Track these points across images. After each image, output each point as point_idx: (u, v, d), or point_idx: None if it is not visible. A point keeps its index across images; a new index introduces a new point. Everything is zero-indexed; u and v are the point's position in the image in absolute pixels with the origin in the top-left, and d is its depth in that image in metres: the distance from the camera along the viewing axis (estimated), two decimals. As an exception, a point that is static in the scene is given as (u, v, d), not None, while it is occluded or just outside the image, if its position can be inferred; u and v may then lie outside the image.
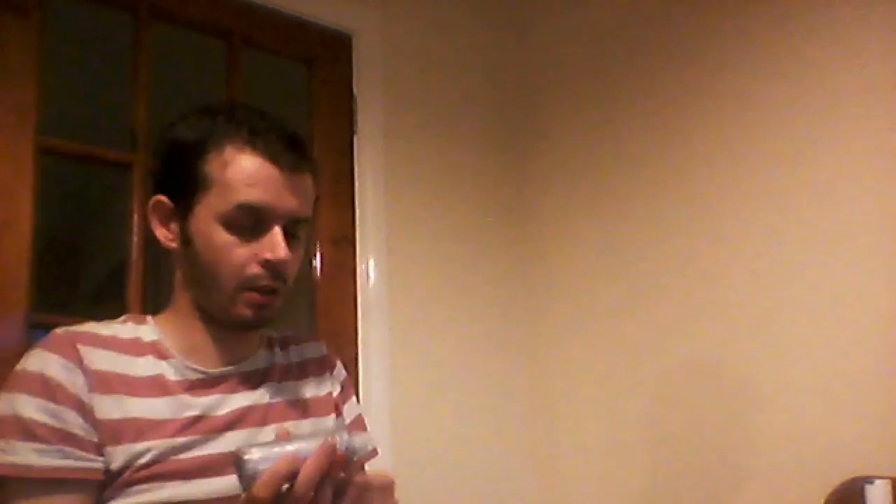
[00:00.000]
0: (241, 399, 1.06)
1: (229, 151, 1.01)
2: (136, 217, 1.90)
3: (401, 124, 2.42)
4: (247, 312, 1.03)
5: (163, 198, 1.06)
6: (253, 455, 0.84)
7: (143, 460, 0.96)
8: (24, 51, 1.81)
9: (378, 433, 2.16)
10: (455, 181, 2.53)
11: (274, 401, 1.09)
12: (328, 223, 2.24)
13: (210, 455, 1.00)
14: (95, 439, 0.95)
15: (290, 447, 0.85)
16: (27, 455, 0.92)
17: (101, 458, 0.95)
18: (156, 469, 0.96)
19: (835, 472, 1.85)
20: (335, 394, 1.19)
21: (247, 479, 0.83)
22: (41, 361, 0.97)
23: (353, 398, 1.25)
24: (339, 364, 1.24)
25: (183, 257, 1.06)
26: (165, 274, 1.15)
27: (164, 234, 1.07)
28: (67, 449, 0.94)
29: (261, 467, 0.83)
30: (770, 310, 2.07)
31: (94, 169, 2.09)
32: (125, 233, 1.91)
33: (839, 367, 1.93)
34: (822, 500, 1.84)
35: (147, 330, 1.07)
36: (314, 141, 2.27)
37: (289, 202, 1.02)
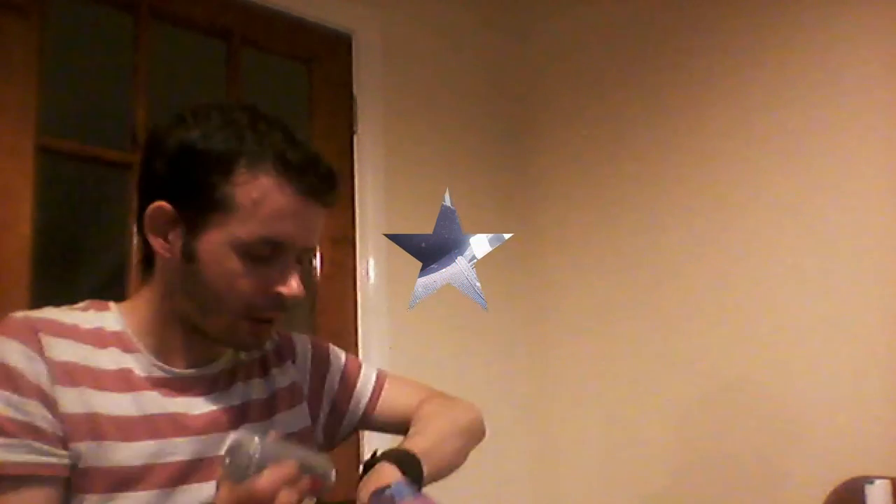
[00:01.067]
0: (211, 402, 1.00)
1: (264, 181, 0.93)
2: (135, 217, 1.90)
3: (401, 124, 2.42)
4: (247, 339, 1.00)
5: (165, 205, 0.95)
6: (257, 448, 0.84)
7: (107, 463, 0.91)
8: (25, 51, 1.81)
9: (377, 433, 2.16)
10: (455, 181, 2.52)
11: (242, 402, 1.04)
12: (328, 223, 2.22)
13: (180, 461, 0.95)
14: (60, 433, 0.90)
15: (292, 453, 0.87)
16: None
17: (66, 454, 0.90)
18: (123, 473, 0.91)
19: (835, 472, 1.85)
20: (304, 385, 1.14)
21: (242, 469, 0.83)
22: (0, 349, 0.90)
23: (338, 361, 1.20)
24: (300, 347, 1.17)
25: (179, 270, 0.97)
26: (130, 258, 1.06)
27: (162, 245, 0.96)
28: (34, 443, 0.88)
29: (262, 461, 0.83)
30: (770, 310, 2.07)
31: (94, 169, 2.09)
32: (125, 233, 1.91)
33: (839, 368, 1.93)
34: (822, 500, 1.84)
35: (111, 319, 1.00)
36: (314, 141, 2.27)
37: (310, 237, 1.00)
